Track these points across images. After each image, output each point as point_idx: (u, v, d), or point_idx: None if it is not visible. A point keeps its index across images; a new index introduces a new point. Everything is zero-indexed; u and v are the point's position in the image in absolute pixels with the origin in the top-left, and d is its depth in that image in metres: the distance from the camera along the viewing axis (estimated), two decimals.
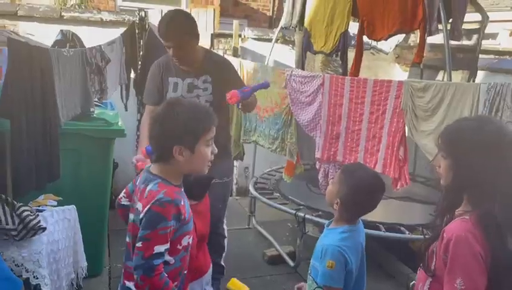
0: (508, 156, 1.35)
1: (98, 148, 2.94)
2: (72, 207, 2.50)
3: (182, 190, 1.68)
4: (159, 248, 1.50)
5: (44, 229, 2.16)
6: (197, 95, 2.67)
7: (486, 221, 1.33)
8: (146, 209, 1.52)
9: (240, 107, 2.59)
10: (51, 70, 2.47)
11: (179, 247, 1.61)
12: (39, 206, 2.45)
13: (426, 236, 1.58)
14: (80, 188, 2.88)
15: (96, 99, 3.27)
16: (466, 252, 1.32)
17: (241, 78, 3.10)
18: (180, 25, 2.52)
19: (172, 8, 3.10)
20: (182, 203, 1.60)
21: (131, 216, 1.67)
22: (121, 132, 3.00)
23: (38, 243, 2.15)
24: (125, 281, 1.67)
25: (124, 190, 1.86)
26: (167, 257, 1.56)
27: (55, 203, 2.54)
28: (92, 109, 3.10)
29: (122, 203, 1.84)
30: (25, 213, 2.11)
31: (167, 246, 1.53)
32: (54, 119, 2.51)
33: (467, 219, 1.37)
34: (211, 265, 2.37)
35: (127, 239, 1.67)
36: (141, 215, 1.54)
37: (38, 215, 2.19)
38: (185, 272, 1.72)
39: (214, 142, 1.69)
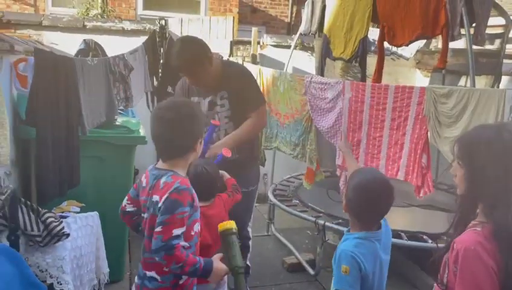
0: None
1: (119, 155, 2.99)
2: (95, 213, 2.53)
3: None
4: (177, 231, 1.63)
5: (68, 235, 2.19)
6: (216, 112, 2.71)
7: (500, 233, 1.29)
8: (164, 197, 1.65)
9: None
10: (76, 79, 2.52)
11: (192, 233, 1.75)
12: (63, 212, 2.49)
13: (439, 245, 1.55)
14: (102, 194, 2.92)
15: (121, 107, 3.32)
16: (477, 265, 1.28)
17: (259, 88, 3.03)
18: (189, 56, 2.54)
19: (191, 16, 3.17)
20: (193, 191, 1.75)
21: (145, 215, 1.76)
22: (142, 139, 3.04)
23: (62, 249, 2.18)
24: (146, 272, 1.77)
25: (126, 197, 1.93)
26: (183, 242, 1.67)
27: (78, 209, 2.58)
28: (115, 117, 3.15)
29: (127, 209, 1.91)
30: (50, 219, 2.15)
31: (184, 229, 1.66)
32: (77, 127, 2.55)
33: (478, 231, 1.33)
34: None
35: (145, 236, 1.77)
36: (159, 204, 1.65)
37: (62, 221, 2.22)
38: None
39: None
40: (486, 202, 1.35)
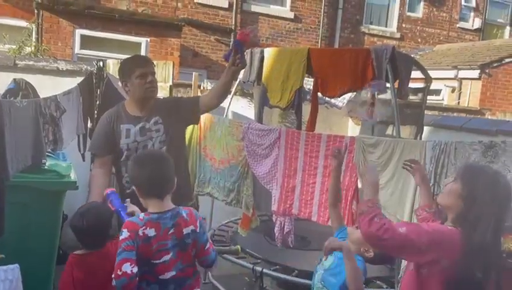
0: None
1: (47, 201, 2.85)
2: (15, 266, 2.34)
3: None
4: None
5: None
6: (150, 138, 2.82)
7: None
8: (198, 222, 2.10)
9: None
10: (1, 123, 2.39)
11: None
12: None
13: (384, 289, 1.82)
14: (26, 243, 2.75)
15: (49, 150, 3.18)
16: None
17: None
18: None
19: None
20: None
21: (169, 255, 2.00)
22: (72, 184, 2.92)
23: None
24: None
25: (130, 263, 1.89)
26: None
27: None
28: (43, 161, 3.00)
29: (135, 271, 1.91)
30: None
31: None
32: (1, 173, 2.40)
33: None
34: None
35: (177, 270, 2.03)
36: (198, 229, 2.09)
37: None
38: None
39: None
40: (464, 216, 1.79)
